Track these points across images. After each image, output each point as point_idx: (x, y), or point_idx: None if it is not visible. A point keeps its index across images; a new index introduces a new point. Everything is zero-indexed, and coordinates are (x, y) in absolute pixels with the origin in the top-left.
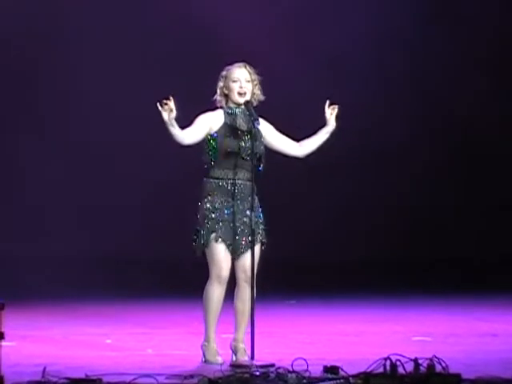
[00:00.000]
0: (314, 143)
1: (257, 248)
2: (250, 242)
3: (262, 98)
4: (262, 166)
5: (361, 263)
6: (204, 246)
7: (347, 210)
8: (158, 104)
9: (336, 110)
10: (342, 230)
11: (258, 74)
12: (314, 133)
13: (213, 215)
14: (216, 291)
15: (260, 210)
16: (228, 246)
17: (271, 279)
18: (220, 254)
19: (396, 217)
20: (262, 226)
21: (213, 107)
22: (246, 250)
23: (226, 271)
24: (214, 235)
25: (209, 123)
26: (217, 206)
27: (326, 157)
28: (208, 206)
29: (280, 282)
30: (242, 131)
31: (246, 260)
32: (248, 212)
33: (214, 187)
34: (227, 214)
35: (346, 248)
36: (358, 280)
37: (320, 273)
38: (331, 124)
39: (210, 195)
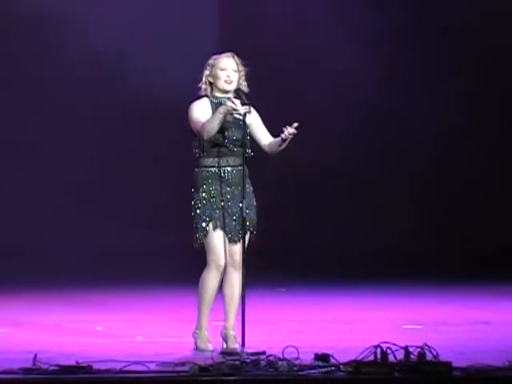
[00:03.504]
0: (276, 147)
1: (247, 235)
2: (241, 229)
3: (246, 89)
4: (249, 153)
5: (352, 252)
6: (203, 235)
7: (341, 197)
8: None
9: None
10: (332, 218)
11: (244, 65)
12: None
13: (209, 204)
14: (213, 279)
15: (253, 196)
16: (226, 234)
17: (261, 267)
18: (218, 241)
19: (385, 208)
20: (253, 215)
21: (197, 95)
22: (239, 239)
23: (224, 259)
24: (212, 223)
25: (205, 115)
26: (212, 194)
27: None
28: (204, 195)
29: (270, 269)
30: (228, 122)
31: (233, 245)
32: (241, 199)
33: (207, 176)
34: (223, 201)
35: (339, 236)
36: (350, 268)
37: (311, 261)
38: (283, 137)
39: (204, 184)
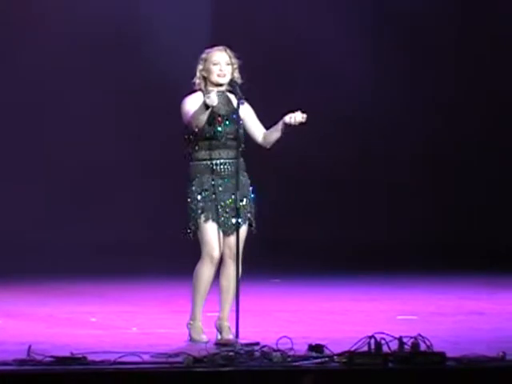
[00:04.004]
0: (272, 136)
1: (244, 227)
2: (235, 220)
3: (240, 81)
4: (242, 146)
5: (347, 243)
6: (195, 227)
7: (337, 189)
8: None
9: (298, 119)
10: (329, 210)
11: (237, 58)
12: (275, 123)
13: (201, 196)
14: (207, 271)
15: (250, 188)
16: (219, 226)
17: (256, 258)
18: (211, 233)
19: (381, 201)
20: (251, 206)
21: (191, 90)
22: (233, 231)
23: (217, 250)
24: (204, 215)
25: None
26: (205, 187)
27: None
28: (196, 188)
29: (265, 260)
30: (221, 115)
31: (231, 237)
32: (234, 191)
33: (200, 169)
34: (216, 193)
35: (333, 227)
36: (344, 259)
37: (305, 251)
38: (286, 122)
39: (197, 177)
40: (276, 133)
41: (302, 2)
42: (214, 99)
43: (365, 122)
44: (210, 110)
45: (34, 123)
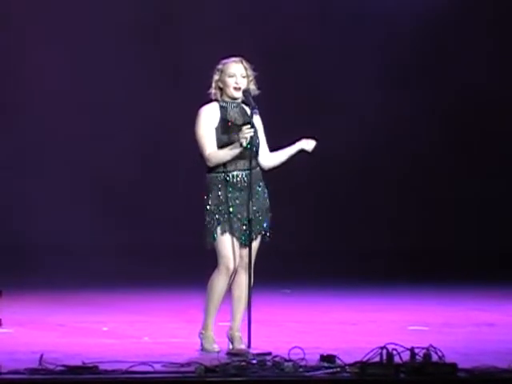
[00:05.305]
0: (279, 159)
1: (258, 238)
2: (248, 231)
3: (256, 92)
4: (258, 155)
5: (357, 253)
6: (213, 240)
7: (343, 199)
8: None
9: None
10: (336, 219)
11: (253, 69)
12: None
13: (219, 208)
14: (222, 282)
15: (267, 198)
16: (236, 238)
17: (268, 268)
18: (228, 245)
19: (390, 209)
20: (267, 216)
21: (207, 99)
22: (250, 241)
23: (233, 262)
24: (220, 228)
25: (212, 124)
26: (222, 198)
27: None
28: (214, 200)
29: (276, 270)
30: (237, 125)
31: (244, 248)
32: (252, 201)
33: (216, 181)
34: (233, 205)
35: (343, 237)
36: (354, 270)
37: (316, 262)
38: (297, 148)
39: (214, 189)
40: (284, 157)
41: (302, 10)
42: (248, 136)
43: (365, 124)
44: (241, 148)
45: (34, 123)
